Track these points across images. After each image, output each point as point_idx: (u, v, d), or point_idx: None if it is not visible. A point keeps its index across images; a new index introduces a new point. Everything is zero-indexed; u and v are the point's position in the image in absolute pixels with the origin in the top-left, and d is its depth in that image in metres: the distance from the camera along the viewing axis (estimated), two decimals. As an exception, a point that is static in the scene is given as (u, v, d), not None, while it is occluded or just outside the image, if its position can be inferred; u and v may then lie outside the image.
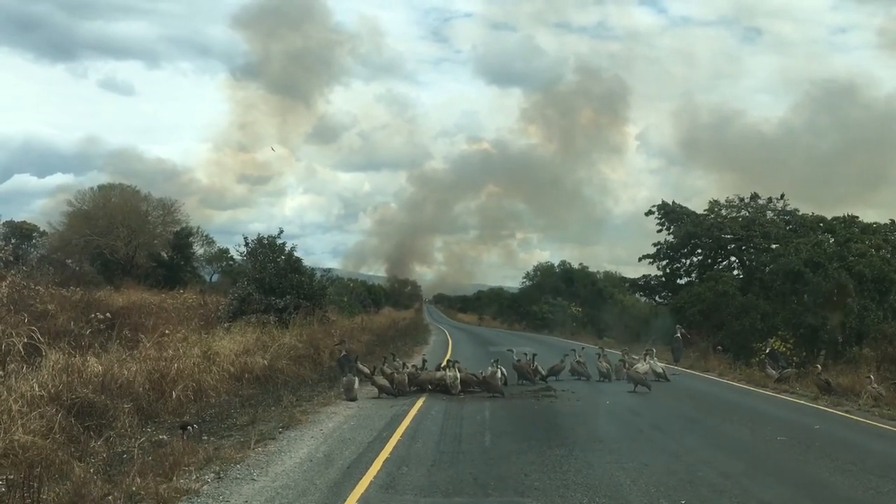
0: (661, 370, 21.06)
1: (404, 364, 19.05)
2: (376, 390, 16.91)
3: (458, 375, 17.46)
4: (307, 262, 32.03)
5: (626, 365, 20.17)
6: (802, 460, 11.17)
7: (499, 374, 17.87)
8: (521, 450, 11.19)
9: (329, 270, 37.96)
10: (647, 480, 9.41)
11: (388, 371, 17.68)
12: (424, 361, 20.19)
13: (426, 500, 8.31)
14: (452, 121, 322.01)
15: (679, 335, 27.60)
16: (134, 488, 8.21)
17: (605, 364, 20.96)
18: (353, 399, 16.00)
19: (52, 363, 12.87)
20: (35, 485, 7.76)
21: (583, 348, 24.38)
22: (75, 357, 13.52)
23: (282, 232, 29.75)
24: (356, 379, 16.61)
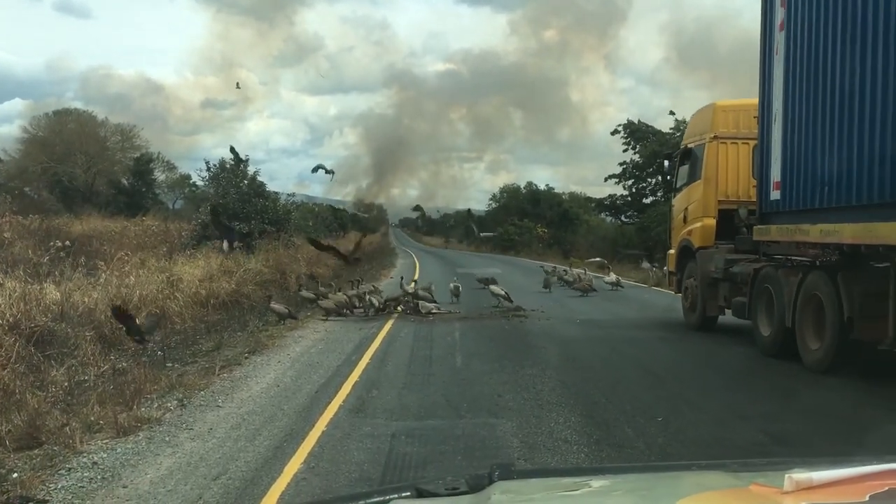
0: (614, 279, 24.50)
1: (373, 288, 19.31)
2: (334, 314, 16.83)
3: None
4: (272, 186, 31.64)
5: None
6: (772, 371, 11.11)
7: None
8: (492, 370, 11.03)
9: (293, 195, 37.36)
10: (621, 397, 9.30)
11: (353, 293, 17.85)
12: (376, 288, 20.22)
13: (398, 424, 8.09)
14: (420, 41, 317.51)
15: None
16: (93, 418, 7.90)
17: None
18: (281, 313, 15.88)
19: (8, 292, 12.45)
20: (-12, 417, 7.44)
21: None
22: (33, 285, 13.10)
23: (248, 158, 29.21)
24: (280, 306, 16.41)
